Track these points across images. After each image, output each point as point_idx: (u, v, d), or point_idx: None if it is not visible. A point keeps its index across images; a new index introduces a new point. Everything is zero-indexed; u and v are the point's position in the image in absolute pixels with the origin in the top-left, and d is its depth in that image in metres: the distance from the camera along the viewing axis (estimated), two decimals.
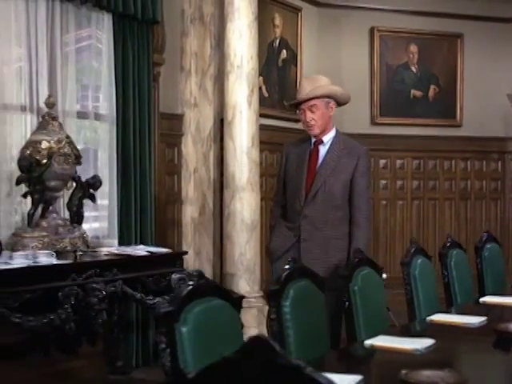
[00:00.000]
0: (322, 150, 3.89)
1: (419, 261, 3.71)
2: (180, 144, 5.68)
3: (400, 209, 7.95)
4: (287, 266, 2.75)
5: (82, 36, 4.77)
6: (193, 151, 5.72)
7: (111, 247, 4.61)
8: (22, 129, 4.36)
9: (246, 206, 5.45)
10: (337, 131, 3.95)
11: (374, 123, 7.78)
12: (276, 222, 4.07)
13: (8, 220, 4.28)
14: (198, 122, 5.72)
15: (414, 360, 2.47)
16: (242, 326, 2.29)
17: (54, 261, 3.85)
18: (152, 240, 5.14)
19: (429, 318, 3.23)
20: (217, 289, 2.25)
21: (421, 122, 7.92)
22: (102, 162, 4.82)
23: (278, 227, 4.02)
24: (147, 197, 5.11)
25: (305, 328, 2.62)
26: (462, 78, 8.05)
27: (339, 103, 3.95)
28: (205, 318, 2.14)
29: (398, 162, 7.94)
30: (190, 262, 5.51)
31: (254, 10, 5.55)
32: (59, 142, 4.10)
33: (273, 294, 2.55)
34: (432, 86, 7.97)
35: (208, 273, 5.53)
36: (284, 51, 6.96)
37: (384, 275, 6.15)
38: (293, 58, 7.08)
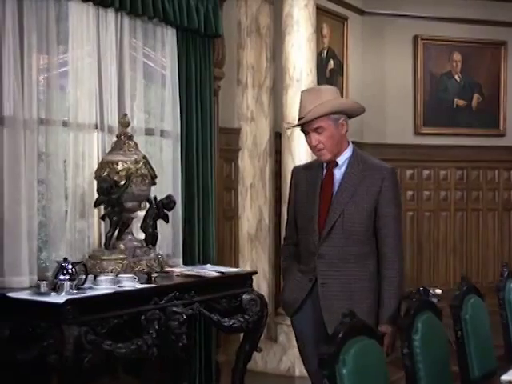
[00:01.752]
0: (338, 173, 3.27)
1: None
2: (237, 159, 5.71)
3: (443, 220, 7.97)
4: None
5: (149, 51, 4.78)
6: (249, 166, 5.74)
7: (178, 267, 4.63)
8: (93, 148, 4.37)
9: None
10: (354, 150, 3.32)
11: (417, 133, 7.82)
12: (287, 266, 3.48)
13: (82, 242, 4.29)
14: (254, 136, 5.74)
15: None
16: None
17: (138, 285, 3.87)
18: (213, 258, 5.16)
19: None
20: (365, 327, 2.27)
21: (464, 131, 7.95)
22: (167, 180, 4.82)
23: (289, 273, 3.43)
24: (209, 214, 5.13)
25: (433, 361, 2.64)
26: (506, 86, 8.08)
27: (351, 116, 3.33)
28: (361, 357, 2.16)
29: (442, 172, 7.96)
30: None
31: (313, 22, 5.59)
32: (136, 162, 4.11)
33: (404, 328, 2.56)
34: (475, 95, 8.00)
35: (264, 290, 5.55)
36: (331, 61, 6.99)
37: (438, 290, 6.25)
38: (339, 68, 7.11)
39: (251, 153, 5.74)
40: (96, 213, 4.37)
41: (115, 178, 4.04)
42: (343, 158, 3.27)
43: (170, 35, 4.87)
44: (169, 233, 4.79)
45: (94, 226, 4.36)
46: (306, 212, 3.29)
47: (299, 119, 3.28)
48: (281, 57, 5.63)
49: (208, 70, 5.16)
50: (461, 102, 7.95)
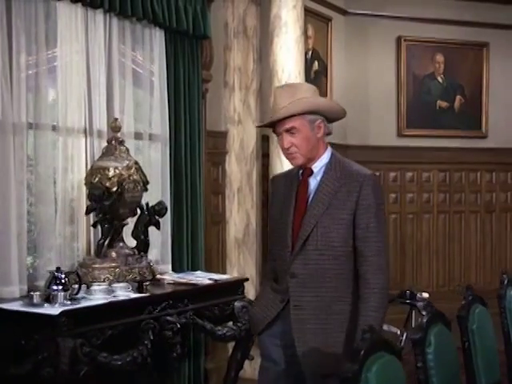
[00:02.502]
0: (313, 182, 2.97)
1: None
2: (224, 162, 5.66)
3: (426, 222, 8.01)
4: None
5: (137, 55, 4.71)
6: (236, 170, 5.70)
7: (169, 274, 4.58)
8: (81, 153, 4.30)
9: None
10: (332, 155, 3.00)
11: (400, 135, 7.84)
12: (264, 283, 3.27)
13: (70, 249, 4.23)
14: (241, 139, 5.70)
15: None
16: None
17: (132, 294, 3.82)
18: (201, 264, 5.12)
19: None
20: (385, 343, 2.26)
21: (446, 133, 8.00)
22: (156, 185, 4.76)
23: (263, 290, 3.20)
24: (198, 219, 5.08)
25: (446, 373, 2.64)
26: (488, 88, 8.14)
27: (330, 120, 3.00)
28: (383, 374, 2.15)
29: (425, 174, 8.00)
30: None
31: (301, 24, 5.57)
32: (128, 168, 4.06)
33: (417, 342, 2.55)
34: (458, 97, 8.05)
35: (251, 296, 5.51)
36: (316, 63, 6.97)
37: (425, 294, 6.27)
38: (323, 69, 7.10)
39: (238, 156, 5.71)
40: (84, 219, 4.30)
41: (107, 185, 3.98)
42: (319, 165, 2.96)
43: (158, 37, 4.81)
44: (157, 239, 4.73)
45: (83, 233, 4.30)
46: (280, 225, 2.99)
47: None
48: (268, 59, 5.60)
49: (196, 73, 5.12)
50: (443, 104, 8.00)
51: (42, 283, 3.98)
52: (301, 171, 3.00)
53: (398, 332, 6.69)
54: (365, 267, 2.85)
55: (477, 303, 3.20)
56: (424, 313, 2.71)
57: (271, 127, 2.99)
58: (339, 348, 2.85)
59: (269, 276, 3.14)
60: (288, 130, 2.89)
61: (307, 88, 3.06)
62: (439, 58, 7.95)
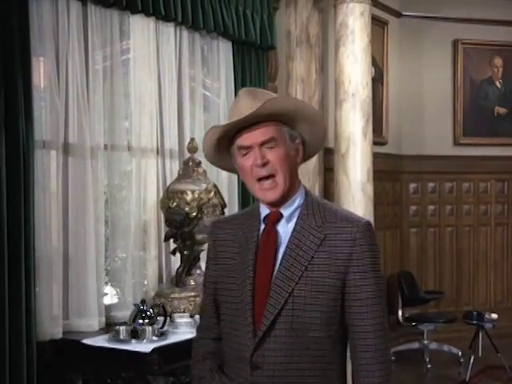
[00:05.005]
0: (283, 231, 2.12)
1: None
2: None
3: (483, 235, 7.95)
4: None
5: (206, 68, 4.70)
6: None
7: None
8: (153, 174, 4.28)
9: None
10: (307, 195, 2.18)
11: (457, 144, 7.78)
12: (201, 373, 2.25)
13: (142, 276, 4.21)
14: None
15: None
16: None
17: None
18: None
19: None
20: None
21: (505, 141, 7.92)
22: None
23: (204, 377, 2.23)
24: None
25: None
26: None
27: (307, 146, 2.19)
28: None
29: (482, 185, 7.94)
30: None
31: (368, 32, 5.53)
32: (208, 191, 4.02)
33: None
34: None
35: None
36: (372, 69, 6.91)
37: (494, 315, 6.23)
38: (380, 76, 7.05)
39: (301, 171, 5.57)
40: (156, 245, 4.28)
41: (186, 209, 3.95)
42: (292, 207, 2.12)
43: (226, 49, 4.80)
44: None
45: (156, 259, 4.27)
46: (233, 294, 2.14)
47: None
48: (333, 69, 5.56)
49: (262, 85, 5.08)
50: (502, 110, 7.93)
51: (117, 314, 3.99)
52: (263, 215, 2.14)
53: (460, 353, 6.66)
54: (362, 354, 2.09)
55: None
56: None
57: (229, 139, 2.10)
58: None
59: (205, 364, 2.23)
60: (263, 143, 2.05)
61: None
62: (497, 61, 7.89)
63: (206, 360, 2.23)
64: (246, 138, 2.05)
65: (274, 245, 2.10)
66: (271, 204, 2.10)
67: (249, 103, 2.03)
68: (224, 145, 2.12)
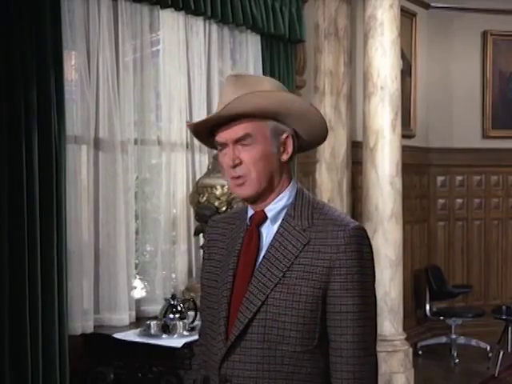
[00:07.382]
0: (266, 233, 1.98)
1: None
2: (314, 172, 5.63)
3: None
4: None
5: (235, 62, 4.72)
6: (327, 179, 5.67)
7: None
8: (183, 168, 4.31)
9: (390, 239, 5.42)
10: (298, 193, 1.99)
11: (485, 136, 7.73)
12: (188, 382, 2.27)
13: (171, 270, 4.24)
14: (332, 147, 5.66)
15: None
16: None
17: None
18: None
19: None
20: None
21: None
22: None
23: None
24: None
25: None
26: None
27: (302, 145, 2.02)
28: None
29: (511, 178, 7.89)
30: None
31: (397, 24, 5.52)
32: None
33: None
34: None
35: None
36: (401, 62, 6.89)
37: None
38: (408, 68, 7.03)
39: (329, 165, 5.68)
40: (186, 239, 4.31)
41: (216, 204, 3.98)
42: (277, 207, 1.97)
43: (254, 43, 4.81)
44: None
45: (185, 253, 4.30)
46: (213, 299, 2.01)
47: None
48: (361, 61, 5.56)
49: (291, 79, 5.11)
50: None
51: (146, 308, 4.03)
52: (249, 214, 2.01)
53: (488, 348, 6.65)
54: (344, 373, 1.88)
55: None
56: None
57: (212, 133, 1.96)
58: None
59: (200, 371, 2.12)
60: (238, 141, 1.91)
61: (271, 82, 2.02)
62: None
63: (200, 369, 2.12)
64: (221, 135, 1.92)
65: (255, 248, 1.95)
66: (250, 202, 1.97)
67: (229, 95, 1.90)
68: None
